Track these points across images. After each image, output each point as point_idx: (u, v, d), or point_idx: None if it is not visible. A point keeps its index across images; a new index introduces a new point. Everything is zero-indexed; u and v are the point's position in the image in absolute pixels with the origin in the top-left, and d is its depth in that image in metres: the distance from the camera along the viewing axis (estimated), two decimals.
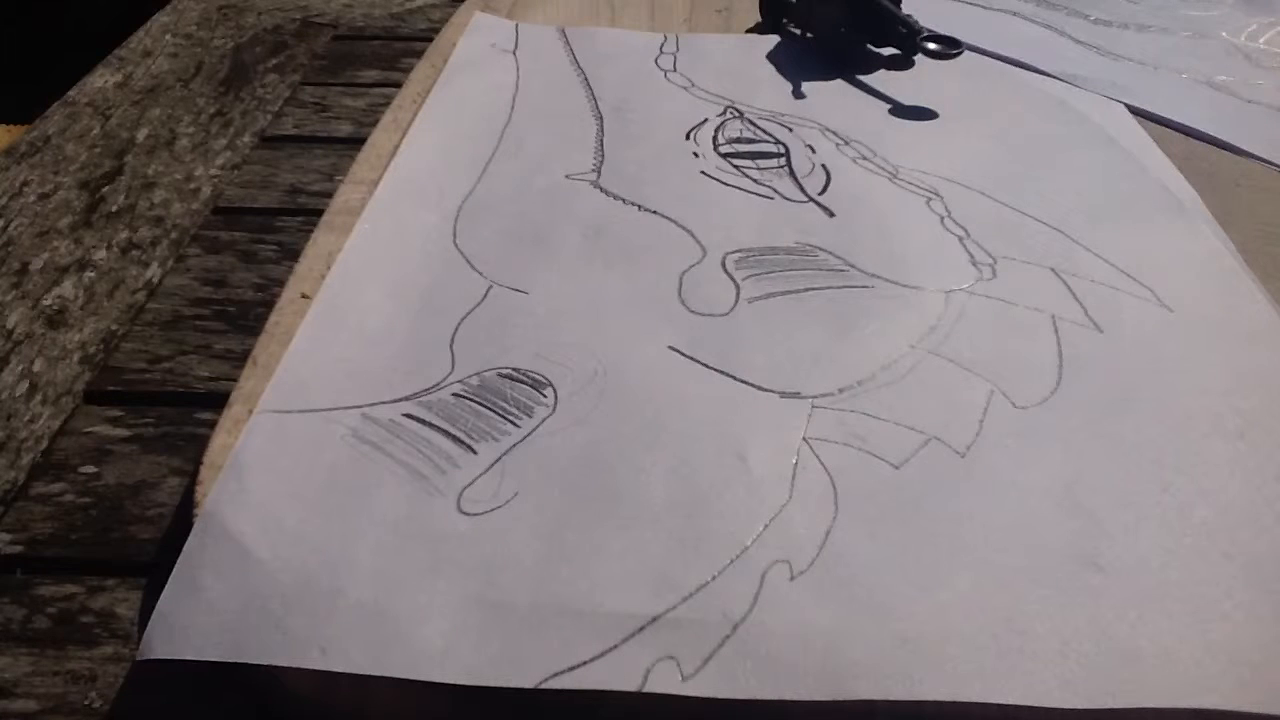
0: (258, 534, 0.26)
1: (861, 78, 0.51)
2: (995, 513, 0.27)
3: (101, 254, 0.42)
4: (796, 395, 0.31)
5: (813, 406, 0.30)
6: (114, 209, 0.45)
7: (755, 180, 0.42)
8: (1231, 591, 0.25)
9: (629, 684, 0.23)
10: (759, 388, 0.31)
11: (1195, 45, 0.56)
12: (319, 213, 0.39)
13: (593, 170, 0.42)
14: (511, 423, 0.30)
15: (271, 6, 0.66)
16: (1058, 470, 0.29)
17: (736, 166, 0.43)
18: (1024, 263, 0.37)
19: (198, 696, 0.25)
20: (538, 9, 0.58)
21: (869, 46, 0.53)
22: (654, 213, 0.40)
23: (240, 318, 0.38)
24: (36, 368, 0.36)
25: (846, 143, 0.45)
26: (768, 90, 0.49)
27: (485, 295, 0.35)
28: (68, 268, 0.41)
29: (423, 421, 0.30)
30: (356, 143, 0.46)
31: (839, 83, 0.50)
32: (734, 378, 0.31)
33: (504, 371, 0.31)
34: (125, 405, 0.34)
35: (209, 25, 0.63)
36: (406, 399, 0.30)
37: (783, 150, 0.44)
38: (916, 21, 0.51)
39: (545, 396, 0.30)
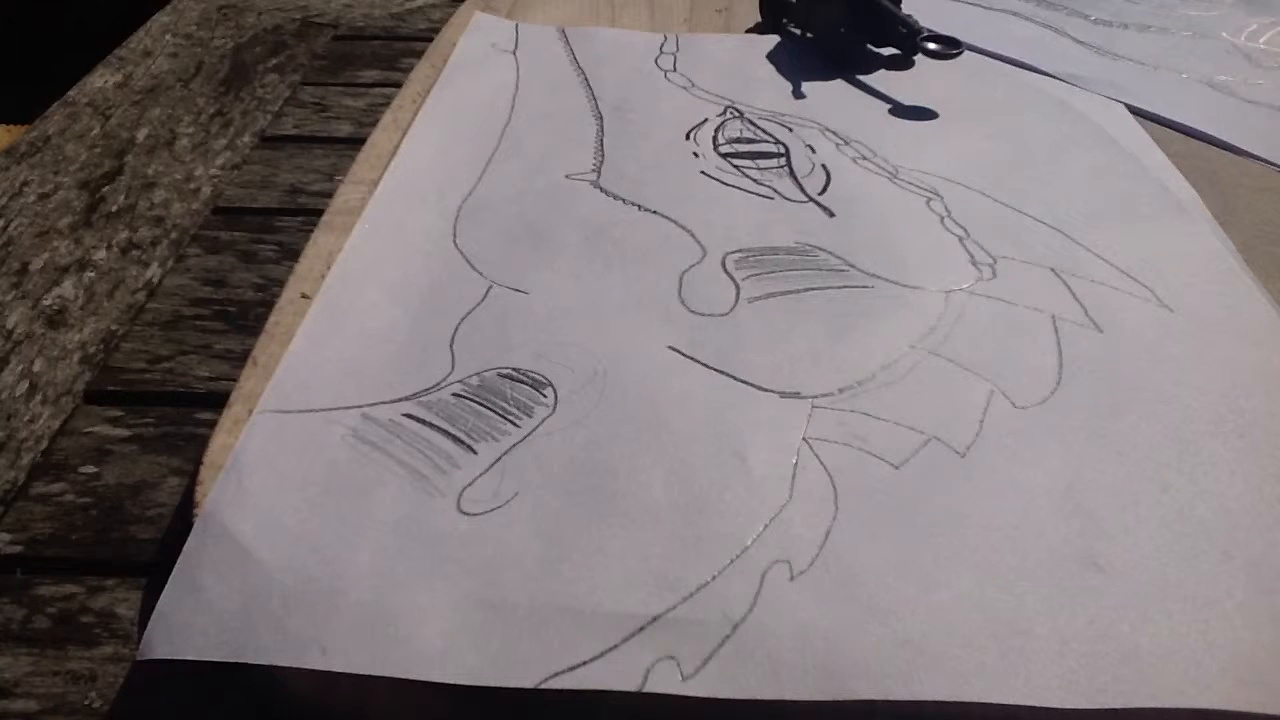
0: (258, 534, 0.26)
1: (861, 78, 0.51)
2: (995, 513, 0.27)
3: (101, 254, 0.42)
4: (796, 395, 0.31)
5: (813, 406, 0.30)
6: (114, 209, 0.45)
7: (755, 180, 0.42)
8: (1231, 591, 0.25)
9: (629, 684, 0.23)
10: (759, 388, 0.31)
11: (1195, 45, 0.56)
12: (319, 213, 0.39)
13: (593, 170, 0.42)
14: (511, 423, 0.30)
15: (271, 6, 0.66)
16: (1058, 470, 0.29)
17: (736, 166, 0.43)
18: (1024, 263, 0.37)
19: (198, 696, 0.25)
20: (538, 9, 0.58)
21: (869, 46, 0.53)
22: (654, 213, 0.40)
23: (240, 318, 0.38)
24: (36, 368, 0.36)
25: (846, 143, 0.45)
26: (768, 90, 0.49)
27: (485, 295, 0.35)
28: (68, 268, 0.41)
29: (423, 421, 0.30)
30: (356, 143, 0.46)
31: (839, 83, 0.50)
32: (734, 378, 0.31)
33: (504, 371, 0.31)
34: (125, 405, 0.34)
35: (209, 25, 0.63)
36: (406, 399, 0.30)
37: (783, 150, 0.44)
38: (916, 21, 0.51)
39: (545, 396, 0.30)
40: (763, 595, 0.25)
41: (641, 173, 0.42)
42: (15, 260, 0.41)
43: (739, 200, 0.41)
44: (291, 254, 0.41)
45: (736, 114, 0.47)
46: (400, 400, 0.30)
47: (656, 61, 0.52)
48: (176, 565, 0.25)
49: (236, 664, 0.23)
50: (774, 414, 0.30)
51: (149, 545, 0.29)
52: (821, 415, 0.30)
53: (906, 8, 0.52)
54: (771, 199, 0.41)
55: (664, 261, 0.37)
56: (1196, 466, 0.29)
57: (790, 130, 0.46)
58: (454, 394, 0.31)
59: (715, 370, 0.32)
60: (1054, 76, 0.51)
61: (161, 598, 0.24)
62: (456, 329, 0.33)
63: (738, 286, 0.36)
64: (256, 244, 0.43)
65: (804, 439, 0.29)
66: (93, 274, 0.41)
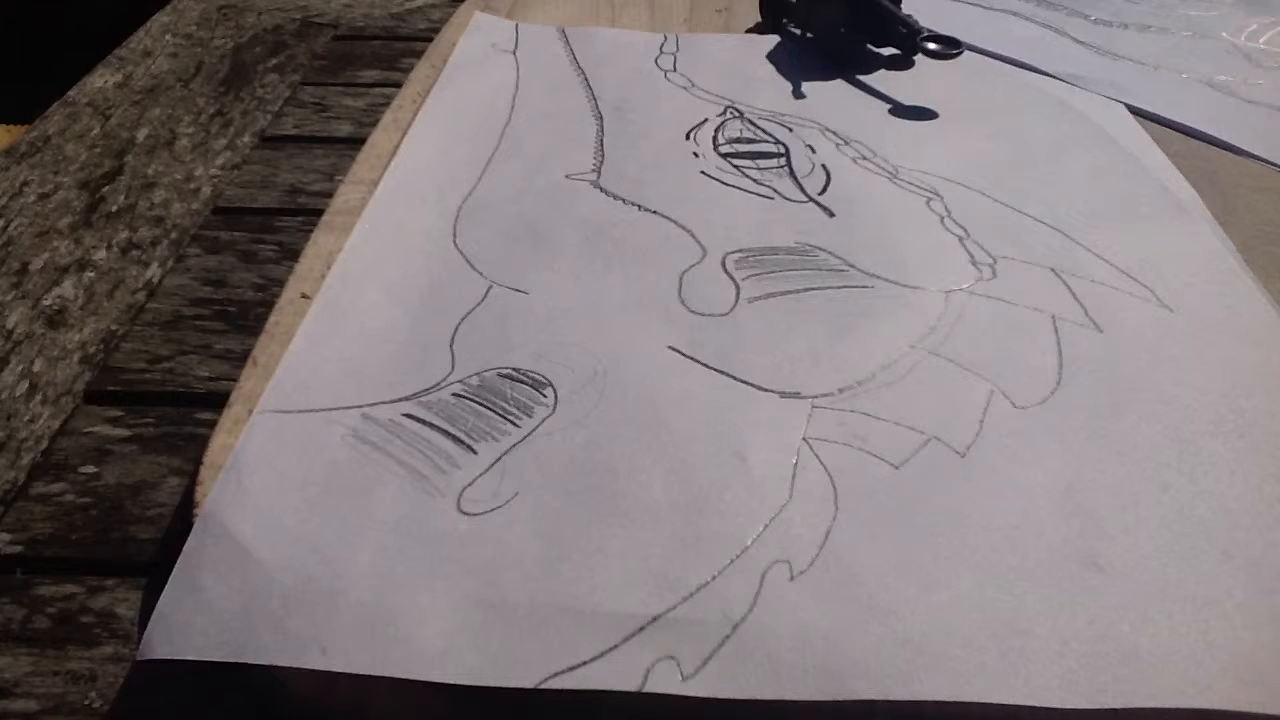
0: (258, 534, 0.26)
1: (861, 78, 0.51)
2: (995, 513, 0.27)
3: (101, 254, 0.42)
4: (796, 395, 0.31)
5: (813, 406, 0.30)
6: (114, 209, 0.45)
7: (755, 180, 0.42)
8: (1231, 591, 0.25)
9: (629, 684, 0.23)
10: (759, 388, 0.31)
11: (1195, 45, 0.56)
12: (319, 213, 0.39)
13: (593, 170, 0.42)
14: (511, 423, 0.30)
15: (271, 6, 0.66)
16: (1058, 470, 0.29)
17: (736, 166, 0.43)
18: (1024, 263, 0.37)
19: (198, 696, 0.25)
20: (538, 9, 0.58)
21: (869, 46, 0.53)
22: (654, 213, 0.40)
23: (240, 318, 0.38)
24: (36, 368, 0.36)
25: (846, 143, 0.45)
26: (768, 90, 0.49)
27: (485, 295, 0.35)
28: (68, 268, 0.41)
29: (423, 421, 0.30)
30: (356, 143, 0.46)
31: (839, 83, 0.50)
32: (734, 378, 0.31)
33: (504, 371, 0.31)
34: (125, 405, 0.34)
35: (209, 25, 0.63)
36: (406, 399, 0.30)
37: (783, 150, 0.44)
38: (916, 21, 0.51)
39: (545, 396, 0.30)
40: (763, 595, 0.25)
41: (641, 173, 0.42)
42: (15, 260, 0.41)
43: (739, 200, 0.41)
44: (291, 254, 0.41)
45: (736, 114, 0.47)
46: (400, 400, 0.30)
47: (656, 61, 0.52)
48: (176, 565, 0.25)
49: (236, 664, 0.23)
50: (774, 414, 0.30)
51: (149, 545, 0.29)
52: (821, 415, 0.30)
53: (906, 8, 0.52)
54: (771, 199, 0.41)
55: (664, 261, 0.37)
56: (1196, 466, 0.29)
57: (790, 130, 0.46)
58: (454, 394, 0.31)
59: (715, 370, 0.32)
60: (1054, 76, 0.51)
61: (161, 598, 0.24)
62: (456, 329, 0.33)
63: (738, 286, 0.36)
64: (256, 244, 0.43)
65: (804, 439, 0.29)
66: (93, 274, 0.41)
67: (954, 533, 0.27)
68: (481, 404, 0.30)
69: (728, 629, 0.24)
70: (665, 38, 0.54)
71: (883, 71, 0.52)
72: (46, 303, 0.39)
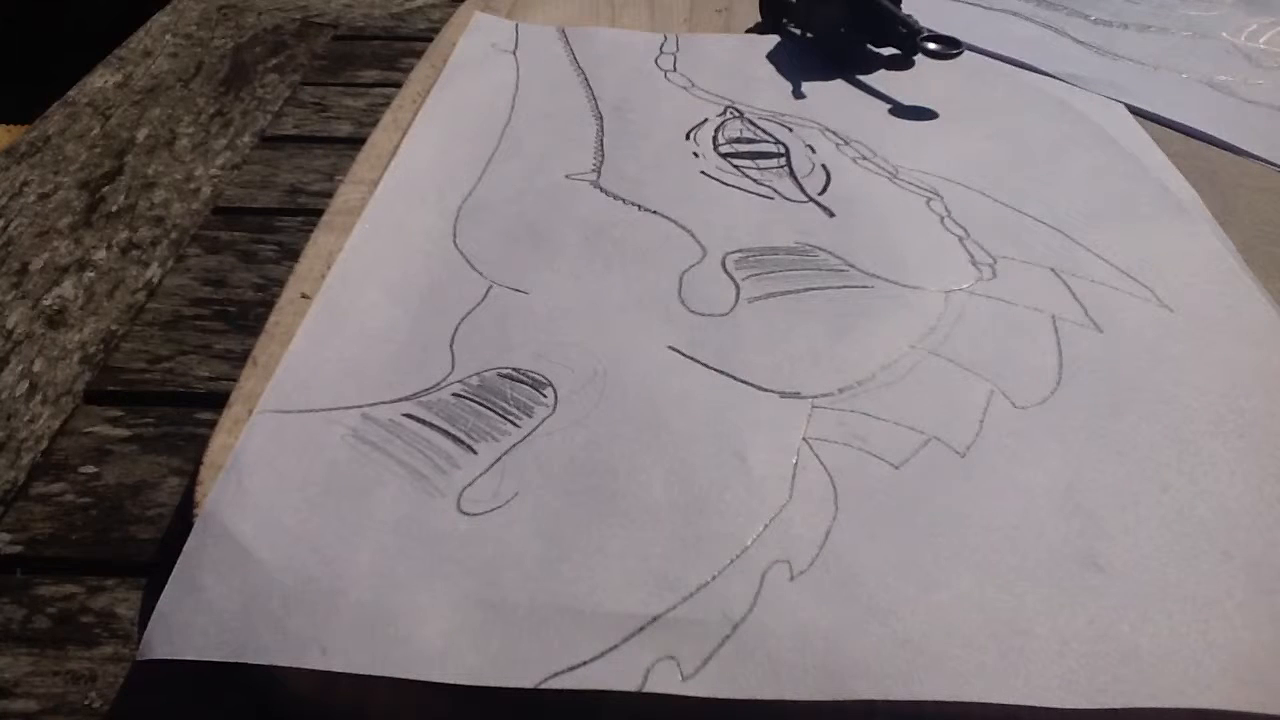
0: (258, 534, 0.26)
1: (861, 78, 0.51)
2: (995, 513, 0.27)
3: (101, 254, 0.42)
4: (796, 395, 0.31)
5: (813, 406, 0.30)
6: (114, 209, 0.45)
7: (755, 180, 0.42)
8: (1231, 591, 0.25)
9: (629, 684, 0.23)
10: (759, 388, 0.31)
11: (1195, 45, 0.56)
12: (319, 213, 0.39)
13: (593, 170, 0.42)
14: (511, 423, 0.30)
15: (271, 6, 0.66)
16: (1058, 470, 0.29)
17: (736, 166, 0.43)
18: (1024, 263, 0.37)
19: (198, 696, 0.25)
20: (538, 9, 0.58)
21: (869, 46, 0.53)
22: (654, 213, 0.40)
23: (240, 318, 0.38)
24: (36, 368, 0.36)
25: (846, 143, 0.45)
26: (768, 90, 0.49)
27: (485, 295, 0.35)
28: (68, 268, 0.41)
29: (423, 421, 0.30)
30: (356, 143, 0.46)
31: (839, 83, 0.50)
32: (734, 378, 0.31)
33: (504, 371, 0.31)
34: (125, 405, 0.34)
35: (209, 25, 0.63)
36: (406, 399, 0.30)
37: (783, 150, 0.44)
38: (916, 21, 0.51)
39: (545, 396, 0.30)
40: (763, 595, 0.25)
41: (641, 173, 0.42)
42: (15, 260, 0.41)
43: (739, 200, 0.41)
44: (291, 254, 0.41)
45: (736, 114, 0.47)
46: (400, 400, 0.30)
47: (656, 61, 0.52)
48: (176, 565, 0.25)
49: (236, 664, 0.23)
50: (774, 414, 0.30)
51: (149, 545, 0.29)
52: (821, 415, 0.30)
53: (906, 8, 0.52)
54: (771, 199, 0.41)
55: (664, 261, 0.37)
56: (1196, 466, 0.29)
57: (790, 130, 0.46)
58: (454, 394, 0.31)
59: (715, 370, 0.32)
60: (1054, 76, 0.51)
61: (161, 598, 0.24)
62: (456, 329, 0.33)
63: (738, 286, 0.36)
64: (256, 244, 0.43)
65: (804, 439, 0.29)
66: (93, 274, 0.41)
67: (954, 533, 0.27)
68: (481, 404, 0.30)
69: (728, 629, 0.24)
70: (665, 38, 0.54)
71: (883, 71, 0.52)
72: (46, 303, 0.39)
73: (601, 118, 0.46)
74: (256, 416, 0.30)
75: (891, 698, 0.23)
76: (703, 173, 0.42)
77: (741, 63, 0.52)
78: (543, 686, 0.23)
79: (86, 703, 0.25)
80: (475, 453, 0.29)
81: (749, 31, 0.57)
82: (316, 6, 0.66)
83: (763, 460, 0.28)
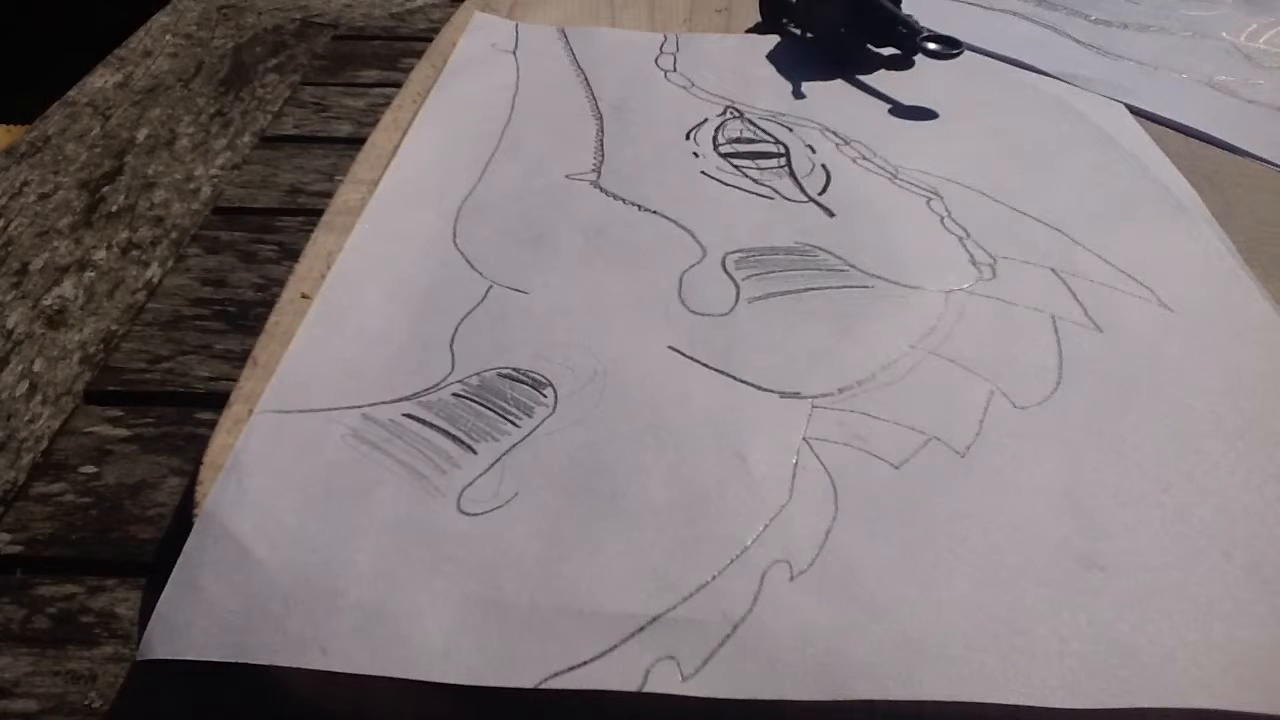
0: (258, 534, 0.26)
1: (861, 78, 0.51)
2: (995, 513, 0.27)
3: (101, 254, 0.42)
4: (796, 395, 0.31)
5: (813, 406, 0.30)
6: (114, 209, 0.45)
7: (755, 180, 0.42)
8: (1231, 591, 0.25)
9: (629, 684, 0.23)
10: (759, 388, 0.31)
11: (1195, 45, 0.56)
12: (319, 213, 0.39)
13: (593, 170, 0.42)
14: (511, 423, 0.30)
15: (271, 6, 0.66)
16: (1057, 470, 0.29)
17: (736, 166, 0.43)
18: (1024, 263, 0.37)
19: (198, 696, 0.25)
20: (538, 9, 0.58)
21: (869, 46, 0.53)
22: (654, 213, 0.40)
23: (240, 318, 0.38)
24: (36, 368, 0.36)
25: (846, 143, 0.45)
26: (768, 90, 0.49)
27: (485, 295, 0.35)
28: (68, 268, 0.41)
29: (423, 421, 0.30)
30: (356, 143, 0.46)
31: (839, 83, 0.50)
32: (734, 378, 0.31)
33: (504, 371, 0.31)
34: (125, 405, 0.34)
35: (209, 25, 0.63)
36: (406, 399, 0.30)
37: (783, 150, 0.44)
38: (916, 21, 0.51)
39: (545, 396, 0.30)
40: (763, 595, 0.25)
41: (641, 173, 0.42)
42: (15, 260, 0.41)
43: (739, 200, 0.41)
44: (291, 254, 0.41)
45: (736, 114, 0.47)
46: (400, 400, 0.30)
47: (656, 61, 0.52)
48: (176, 565, 0.25)
49: (236, 664, 0.23)
50: (774, 414, 0.30)
51: (149, 545, 0.29)
52: (821, 415, 0.30)
53: (906, 8, 0.52)
54: (771, 199, 0.41)
55: (664, 261, 0.37)
56: (1196, 466, 0.29)
57: (790, 130, 0.46)
58: (454, 394, 0.31)
59: (715, 370, 0.32)
60: (1054, 76, 0.51)
61: (161, 598, 0.24)
62: (456, 329, 0.33)
63: (738, 286, 0.36)
64: (256, 244, 0.43)
65: (804, 439, 0.29)
66: (93, 274, 0.41)
67: (954, 533, 0.27)
68: (481, 404, 0.30)
69: (728, 629, 0.24)
70: (665, 38, 0.54)
71: (883, 71, 0.52)
72: (46, 303, 0.39)
73: (601, 118, 0.46)
74: (256, 416, 0.30)
75: (891, 698, 0.23)
76: (703, 173, 0.42)
77: (741, 63, 0.52)
78: (542, 686, 0.23)
79: (86, 703, 0.25)
80: (475, 453, 0.29)
81: (749, 31, 0.57)
82: (316, 6, 0.66)
83: (763, 460, 0.28)
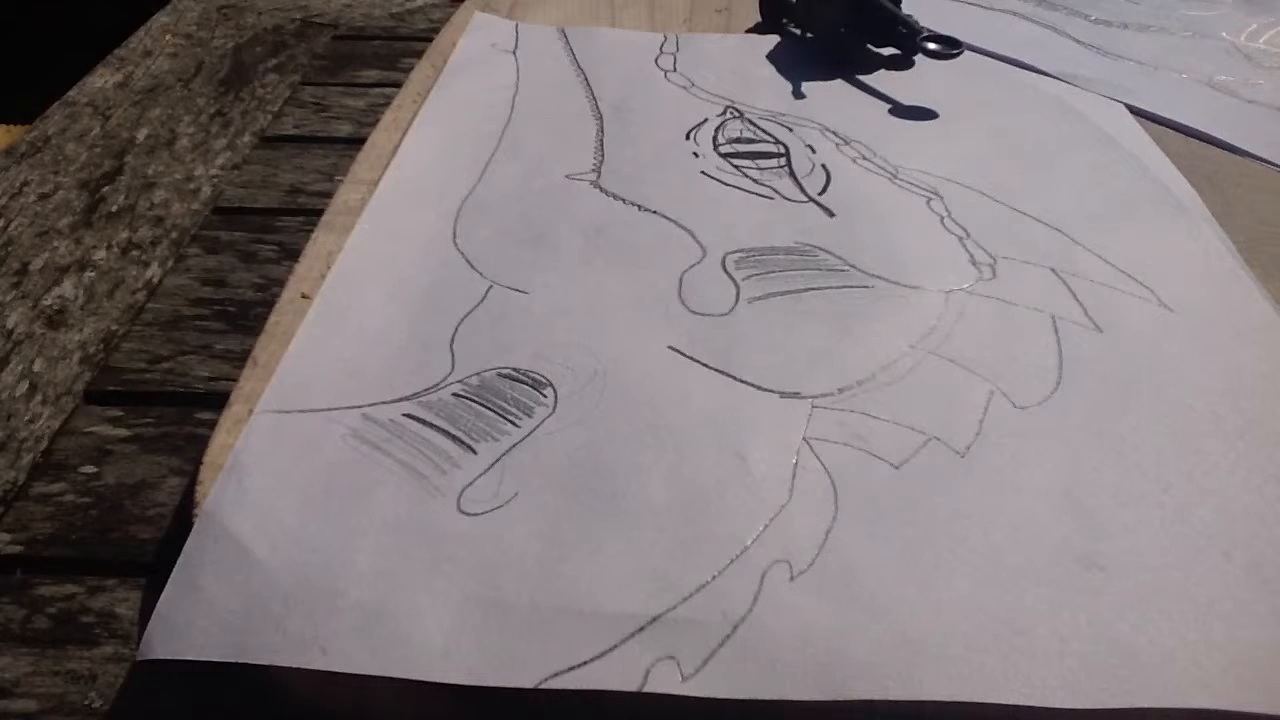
0: (258, 534, 0.26)
1: (861, 78, 0.51)
2: (995, 513, 0.27)
3: (101, 254, 0.42)
4: (796, 395, 0.31)
5: (813, 406, 0.30)
6: (114, 209, 0.45)
7: (755, 180, 0.42)
8: (1231, 591, 0.25)
9: (629, 684, 0.23)
10: (759, 388, 0.31)
11: (1195, 45, 0.56)
12: (319, 213, 0.39)
13: (593, 170, 0.42)
14: (511, 423, 0.30)
15: (271, 6, 0.66)
16: (1057, 470, 0.29)
17: (736, 166, 0.43)
18: (1024, 263, 0.37)
19: (198, 696, 0.25)
20: (538, 9, 0.58)
21: (869, 46, 0.53)
22: (654, 213, 0.40)
23: (240, 318, 0.38)
24: (36, 368, 0.36)
25: (846, 143, 0.45)
26: (768, 90, 0.49)
27: (485, 295, 0.35)
28: (68, 268, 0.41)
29: (423, 421, 0.30)
30: (356, 143, 0.46)
31: (839, 83, 0.50)
32: (734, 378, 0.31)
33: (504, 371, 0.31)
34: (125, 405, 0.34)
35: (209, 25, 0.63)
36: (406, 399, 0.30)
37: (783, 150, 0.44)
38: (916, 21, 0.51)
39: (545, 396, 0.30)
40: (763, 595, 0.25)
41: (641, 173, 0.42)
42: (15, 260, 0.41)
43: (739, 200, 0.41)
44: (291, 254, 0.41)
45: (736, 114, 0.47)
46: (400, 400, 0.30)
47: (656, 61, 0.52)
48: (176, 565, 0.25)
49: (236, 664, 0.23)
50: (774, 414, 0.30)
51: (149, 545, 0.29)
52: (821, 415, 0.30)
53: (906, 8, 0.52)
54: (771, 199, 0.41)
55: (664, 261, 0.37)
56: (1196, 466, 0.29)
57: (790, 130, 0.46)
58: (454, 394, 0.31)
59: (715, 370, 0.32)
60: (1054, 76, 0.51)
61: (161, 598, 0.24)
62: (456, 329, 0.33)
63: (738, 286, 0.36)
64: (256, 244, 0.43)
65: (804, 439, 0.29)
66: (93, 274, 0.41)
67: (954, 533, 0.27)
68: (481, 404, 0.30)
69: (728, 629, 0.24)
70: (665, 38, 0.54)
71: (883, 71, 0.52)
72: (46, 303, 0.39)
73: (601, 118, 0.46)
74: (256, 416, 0.30)
75: (891, 698, 0.23)
76: (703, 173, 0.42)
77: (741, 63, 0.52)
78: (542, 686, 0.23)
79: (86, 703, 0.25)
80: (475, 453, 0.29)
81: (749, 31, 0.57)
82: (316, 6, 0.66)
83: (763, 460, 0.28)
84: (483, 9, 0.57)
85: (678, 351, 0.33)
